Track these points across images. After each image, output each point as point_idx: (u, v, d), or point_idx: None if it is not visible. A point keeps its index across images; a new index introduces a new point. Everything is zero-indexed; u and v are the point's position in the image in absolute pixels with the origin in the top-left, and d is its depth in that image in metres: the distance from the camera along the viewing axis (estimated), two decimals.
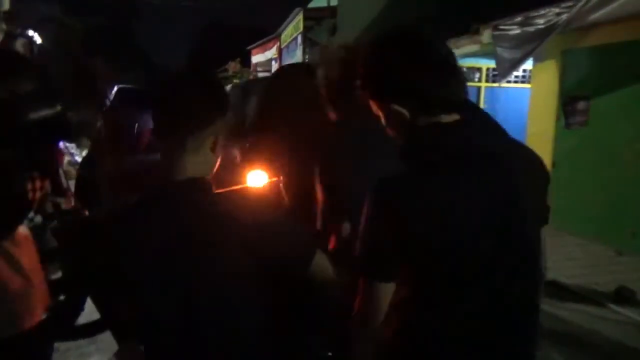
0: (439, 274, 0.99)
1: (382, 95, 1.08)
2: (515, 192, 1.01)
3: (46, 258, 2.06)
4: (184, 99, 1.10)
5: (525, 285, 1.04)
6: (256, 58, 20.33)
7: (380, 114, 1.10)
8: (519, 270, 1.01)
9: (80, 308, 2.38)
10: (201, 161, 1.11)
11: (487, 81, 8.31)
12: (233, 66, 19.13)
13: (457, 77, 1.05)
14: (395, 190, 1.00)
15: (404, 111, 1.03)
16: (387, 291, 1.01)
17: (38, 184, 1.65)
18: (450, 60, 1.05)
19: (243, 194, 1.15)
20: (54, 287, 2.25)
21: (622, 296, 3.85)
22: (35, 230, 1.95)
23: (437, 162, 0.99)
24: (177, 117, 1.09)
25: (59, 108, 1.66)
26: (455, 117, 1.03)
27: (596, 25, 4.73)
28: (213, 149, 1.13)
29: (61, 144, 3.40)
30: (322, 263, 1.14)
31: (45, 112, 1.62)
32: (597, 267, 4.46)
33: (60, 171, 2.44)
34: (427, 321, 1.01)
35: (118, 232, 1.13)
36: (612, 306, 3.75)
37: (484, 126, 1.06)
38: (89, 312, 2.63)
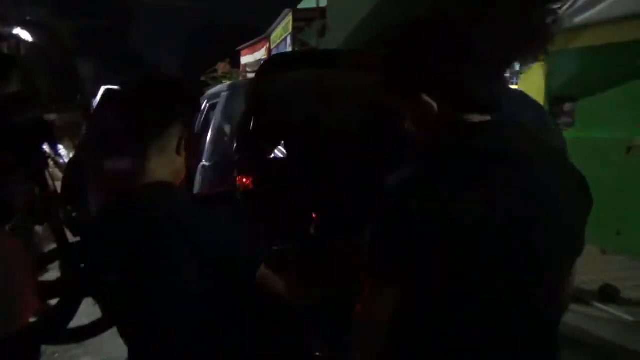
0: (446, 279, 0.92)
1: (413, 85, 0.97)
2: (541, 204, 0.93)
3: (37, 260, 2.05)
4: (143, 99, 1.12)
5: (535, 302, 0.97)
6: (245, 59, 20.25)
7: (403, 106, 1.01)
8: (531, 284, 0.95)
9: (74, 311, 2.36)
10: (166, 162, 1.13)
11: None
12: (222, 67, 19.06)
13: (499, 76, 0.99)
14: (407, 190, 0.93)
15: (434, 104, 0.96)
16: (394, 294, 0.95)
17: (24, 187, 1.65)
18: (494, 58, 0.98)
19: (202, 199, 1.18)
20: (47, 289, 2.23)
21: (607, 294, 3.90)
22: (24, 233, 1.94)
23: (460, 162, 0.92)
24: (137, 117, 1.12)
25: (43, 111, 1.67)
26: (489, 117, 0.97)
27: (583, 27, 4.80)
28: (178, 150, 1.14)
29: (46, 147, 3.41)
30: (265, 280, 1.11)
31: (30, 116, 1.62)
32: (583, 266, 4.50)
33: (47, 174, 2.43)
34: (429, 327, 0.96)
35: (94, 233, 1.16)
36: (598, 304, 3.80)
37: (519, 131, 0.99)
38: (79, 316, 2.60)
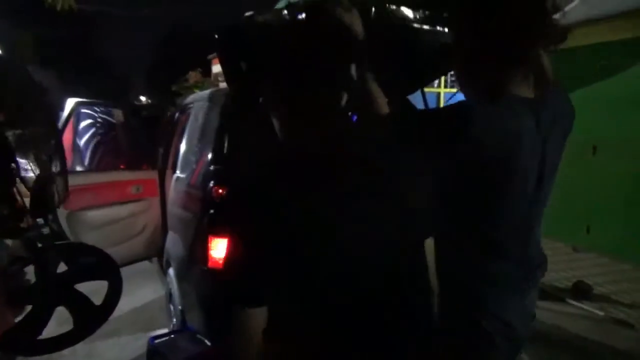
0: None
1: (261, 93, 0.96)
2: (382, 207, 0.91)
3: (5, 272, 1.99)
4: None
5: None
6: (217, 68, 20.12)
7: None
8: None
9: (46, 320, 2.28)
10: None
11: (446, 87, 8.50)
12: (194, 76, 18.84)
13: (355, 72, 0.88)
14: (257, 205, 0.92)
15: (282, 111, 0.92)
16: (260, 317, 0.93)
17: None
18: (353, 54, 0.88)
19: None
20: (18, 297, 2.16)
21: (580, 290, 4.00)
22: None
23: (302, 170, 0.91)
24: None
25: (7, 128, 1.64)
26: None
27: None
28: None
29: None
30: None
31: None
32: (556, 264, 4.62)
33: (15, 190, 2.37)
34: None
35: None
36: (571, 301, 3.89)
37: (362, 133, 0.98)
38: (55, 327, 2.52)
